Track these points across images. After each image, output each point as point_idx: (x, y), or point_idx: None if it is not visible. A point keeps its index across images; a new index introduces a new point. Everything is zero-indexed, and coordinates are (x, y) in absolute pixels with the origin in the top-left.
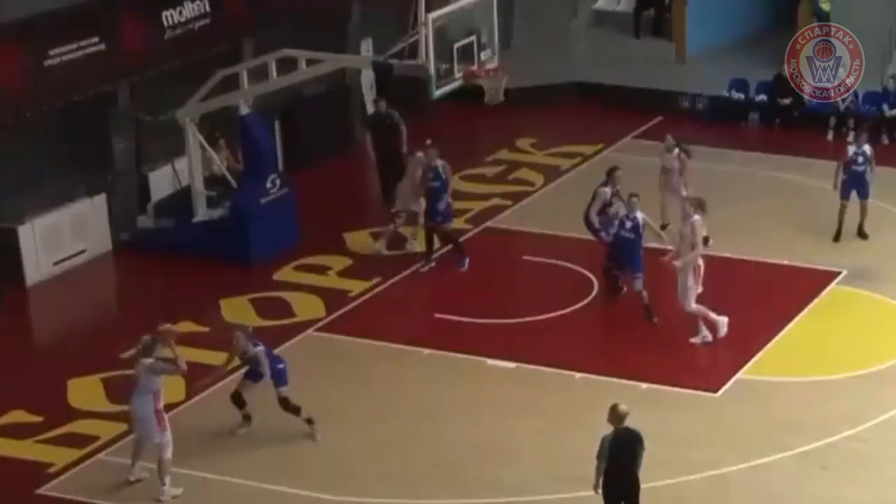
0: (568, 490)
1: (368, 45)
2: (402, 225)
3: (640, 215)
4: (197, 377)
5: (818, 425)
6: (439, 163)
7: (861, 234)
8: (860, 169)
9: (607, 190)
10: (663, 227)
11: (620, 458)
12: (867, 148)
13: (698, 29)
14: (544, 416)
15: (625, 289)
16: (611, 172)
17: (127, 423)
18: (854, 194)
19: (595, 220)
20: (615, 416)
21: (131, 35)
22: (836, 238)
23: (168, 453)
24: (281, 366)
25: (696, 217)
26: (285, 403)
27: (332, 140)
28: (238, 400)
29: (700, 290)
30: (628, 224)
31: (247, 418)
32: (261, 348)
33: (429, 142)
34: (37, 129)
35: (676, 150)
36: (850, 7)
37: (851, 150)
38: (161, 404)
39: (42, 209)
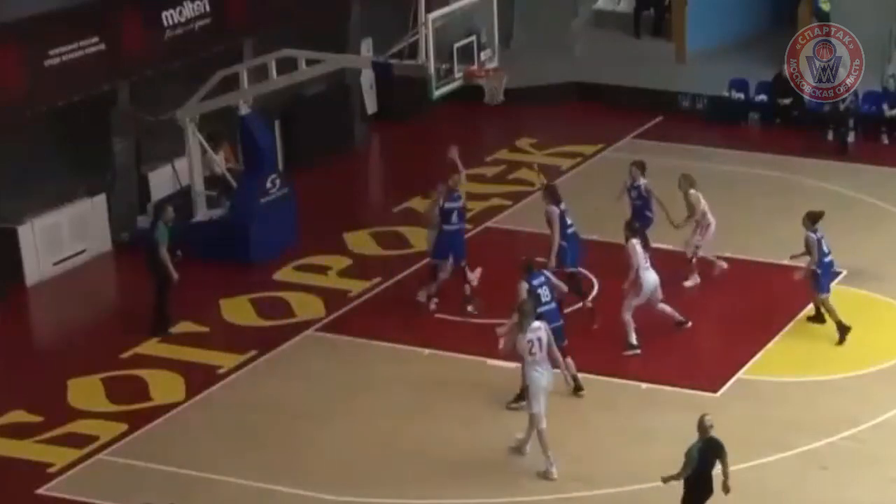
0: (568, 490)
1: (368, 45)
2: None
3: None
4: None
5: (818, 425)
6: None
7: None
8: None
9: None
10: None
11: (705, 467)
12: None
13: (698, 29)
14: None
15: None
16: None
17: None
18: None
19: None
20: (701, 427)
21: (131, 35)
22: (842, 339)
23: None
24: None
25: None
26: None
27: (332, 140)
28: None
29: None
30: None
31: None
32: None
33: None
34: (37, 129)
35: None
36: (850, 7)
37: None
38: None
39: (42, 209)
